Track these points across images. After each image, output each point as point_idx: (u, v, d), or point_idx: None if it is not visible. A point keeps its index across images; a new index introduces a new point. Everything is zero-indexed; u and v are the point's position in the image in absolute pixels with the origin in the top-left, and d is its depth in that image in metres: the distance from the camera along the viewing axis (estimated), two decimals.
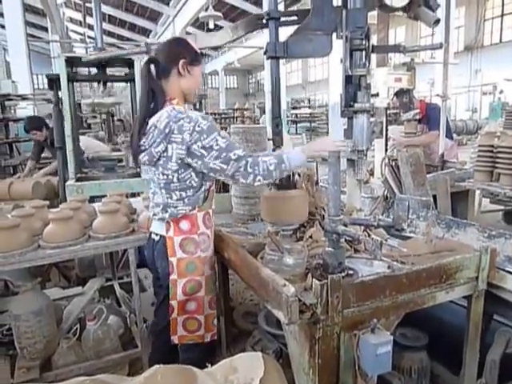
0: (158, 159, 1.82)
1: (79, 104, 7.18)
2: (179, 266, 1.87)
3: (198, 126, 1.73)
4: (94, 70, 4.27)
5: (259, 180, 1.76)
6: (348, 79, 2.01)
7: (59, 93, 4.01)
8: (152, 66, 1.88)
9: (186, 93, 1.94)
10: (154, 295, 2.22)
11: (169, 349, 2.04)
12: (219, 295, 2.24)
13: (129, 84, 4.42)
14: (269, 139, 2.36)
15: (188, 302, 1.92)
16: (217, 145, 1.73)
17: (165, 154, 1.79)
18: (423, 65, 8.16)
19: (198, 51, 1.94)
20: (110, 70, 4.35)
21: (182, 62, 1.86)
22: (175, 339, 1.97)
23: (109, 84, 4.37)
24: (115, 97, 4.25)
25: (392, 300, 1.54)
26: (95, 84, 4.42)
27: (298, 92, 28.30)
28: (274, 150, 2.10)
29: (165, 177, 1.84)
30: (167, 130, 1.75)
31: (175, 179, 1.83)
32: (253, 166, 1.74)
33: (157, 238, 1.95)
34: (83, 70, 4.74)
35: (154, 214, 1.94)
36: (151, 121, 1.82)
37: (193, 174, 1.84)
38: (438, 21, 2.04)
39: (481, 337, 1.78)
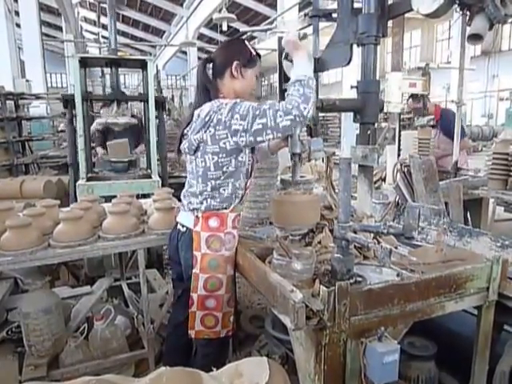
0: (198, 147, 1.89)
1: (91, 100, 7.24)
2: (202, 261, 1.90)
3: (233, 104, 1.79)
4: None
5: (304, 107, 1.70)
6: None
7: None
8: (210, 65, 1.99)
9: (238, 94, 1.98)
10: (173, 288, 2.26)
11: (184, 343, 2.10)
12: None
13: (141, 77, 4.49)
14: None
15: (208, 298, 1.94)
16: (252, 107, 1.75)
17: (202, 140, 1.86)
18: (439, 70, 8.08)
19: (254, 53, 1.99)
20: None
21: (235, 63, 1.93)
22: (192, 333, 1.99)
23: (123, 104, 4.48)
24: (128, 116, 4.35)
25: (400, 309, 1.52)
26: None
27: None
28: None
29: (203, 164, 1.89)
30: (207, 119, 1.83)
31: (212, 167, 1.87)
32: (289, 101, 1.71)
33: (183, 230, 1.99)
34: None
35: (185, 205, 1.99)
36: (196, 112, 1.92)
37: (232, 160, 1.87)
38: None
39: (491, 347, 1.76)
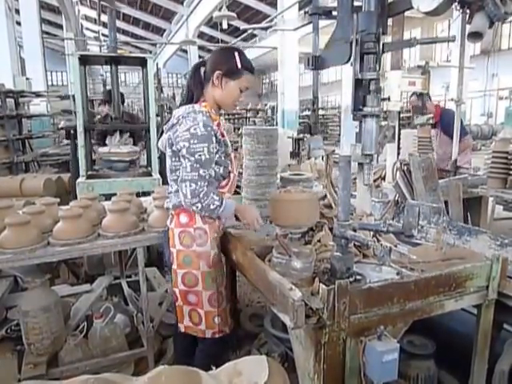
0: (166, 146, 1.98)
1: (91, 101, 7.23)
2: (178, 257, 1.97)
3: (194, 129, 1.81)
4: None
5: (198, 207, 1.83)
6: (358, 82, 2.01)
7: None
8: (204, 68, 2.01)
9: (218, 103, 2.01)
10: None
11: (191, 340, 2.12)
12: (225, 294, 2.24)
13: (141, 75, 4.48)
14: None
15: (188, 293, 2.00)
16: (203, 155, 1.80)
17: (167, 140, 1.96)
18: (438, 68, 8.05)
19: (239, 66, 1.93)
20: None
21: (217, 73, 1.93)
22: (182, 327, 2.06)
23: (125, 135, 4.57)
24: (130, 145, 4.47)
25: (400, 307, 1.51)
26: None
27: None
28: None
29: (168, 163, 2.00)
30: (175, 122, 1.90)
31: (169, 167, 1.99)
32: (207, 195, 1.82)
33: (165, 229, 2.06)
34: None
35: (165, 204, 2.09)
36: (174, 111, 1.99)
37: (183, 164, 1.89)
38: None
39: (490, 346, 1.75)
